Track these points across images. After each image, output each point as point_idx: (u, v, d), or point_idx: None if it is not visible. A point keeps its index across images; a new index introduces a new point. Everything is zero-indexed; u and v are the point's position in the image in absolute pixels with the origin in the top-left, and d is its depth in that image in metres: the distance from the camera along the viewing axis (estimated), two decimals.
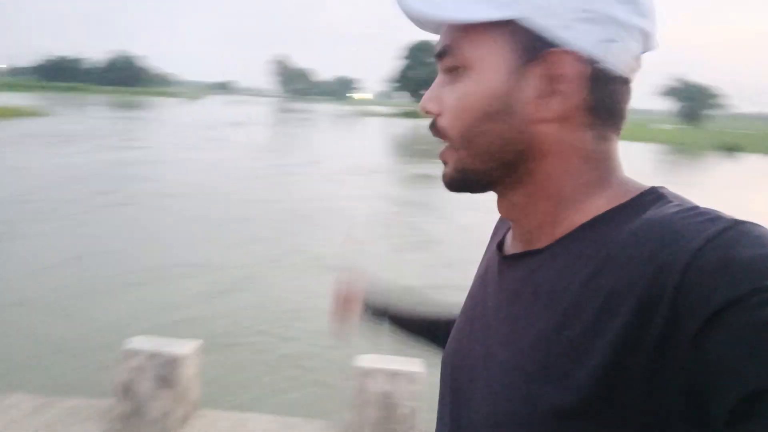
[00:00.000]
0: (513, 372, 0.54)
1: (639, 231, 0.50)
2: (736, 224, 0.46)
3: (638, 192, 0.56)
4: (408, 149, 29.83)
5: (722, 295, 0.42)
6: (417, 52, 70.70)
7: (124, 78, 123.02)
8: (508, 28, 0.54)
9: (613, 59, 0.53)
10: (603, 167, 0.57)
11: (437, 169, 0.63)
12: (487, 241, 0.78)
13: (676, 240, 0.47)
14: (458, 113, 0.57)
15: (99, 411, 3.50)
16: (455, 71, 0.57)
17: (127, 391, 3.31)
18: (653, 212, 0.52)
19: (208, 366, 3.86)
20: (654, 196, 0.55)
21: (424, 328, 0.99)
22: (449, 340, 0.72)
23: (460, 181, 0.60)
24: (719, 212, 0.49)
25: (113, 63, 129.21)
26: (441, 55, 0.58)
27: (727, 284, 0.42)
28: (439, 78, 0.59)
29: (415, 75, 70.82)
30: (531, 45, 0.53)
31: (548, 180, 0.57)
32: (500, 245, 0.68)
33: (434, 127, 0.60)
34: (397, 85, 77.54)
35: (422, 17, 0.56)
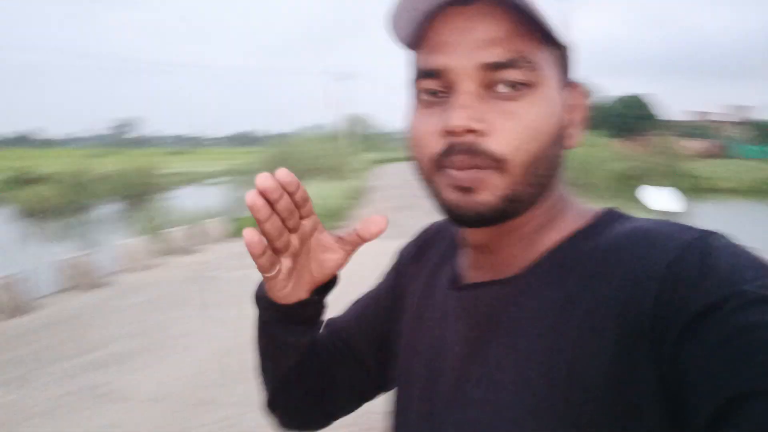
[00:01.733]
0: (494, 413, 0.52)
1: (612, 246, 0.50)
2: (706, 234, 0.47)
3: (598, 212, 0.57)
4: None
5: (698, 302, 0.42)
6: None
7: None
8: (560, 52, 0.54)
9: None
10: (567, 190, 0.58)
11: None
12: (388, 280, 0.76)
13: (650, 252, 0.47)
14: (528, 135, 0.51)
15: None
16: (513, 88, 0.50)
17: None
18: (621, 228, 0.52)
19: None
20: (614, 215, 0.56)
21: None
22: (402, 379, 0.66)
23: (501, 211, 0.52)
24: (685, 224, 0.50)
25: None
26: (505, 66, 0.50)
27: (703, 292, 0.43)
28: (473, 91, 0.51)
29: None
30: (563, 74, 0.55)
31: (551, 207, 0.57)
32: (451, 279, 0.64)
33: (473, 150, 0.51)
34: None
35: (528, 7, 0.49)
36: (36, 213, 20.25)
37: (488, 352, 0.55)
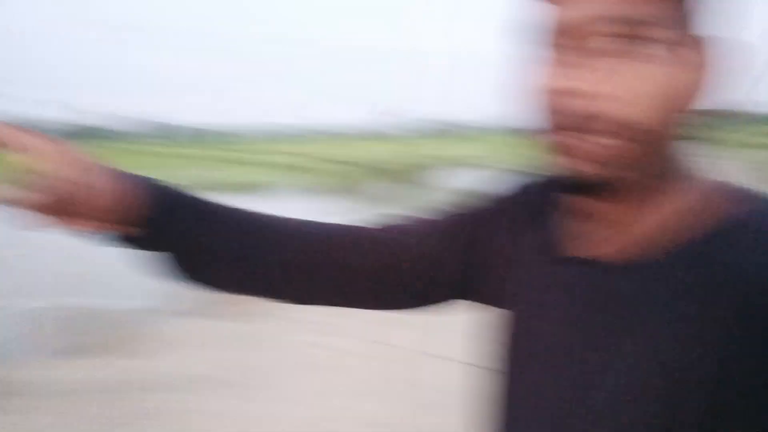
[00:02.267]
0: (626, 402, 0.50)
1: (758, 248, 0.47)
2: None
3: (725, 190, 0.51)
4: None
5: None
6: None
7: None
8: (686, 4, 0.48)
9: None
10: (689, 160, 0.53)
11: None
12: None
13: None
14: (648, 99, 0.46)
15: None
16: (641, 46, 0.45)
17: None
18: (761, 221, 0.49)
19: None
20: (744, 194, 0.51)
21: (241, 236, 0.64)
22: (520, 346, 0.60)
23: (615, 179, 0.49)
24: None
25: None
26: (634, 22, 0.45)
27: None
28: (603, 50, 0.46)
29: None
30: (691, 28, 0.48)
31: (668, 177, 0.52)
32: (545, 247, 0.59)
33: (591, 113, 0.46)
34: None
35: None
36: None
37: (612, 336, 0.52)
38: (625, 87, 0.46)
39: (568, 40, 0.47)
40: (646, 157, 0.48)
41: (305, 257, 0.65)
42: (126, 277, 3.37)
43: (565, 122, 0.47)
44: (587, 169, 0.48)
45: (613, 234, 0.53)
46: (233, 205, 0.66)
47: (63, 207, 0.53)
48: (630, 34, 0.45)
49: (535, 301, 0.59)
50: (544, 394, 0.56)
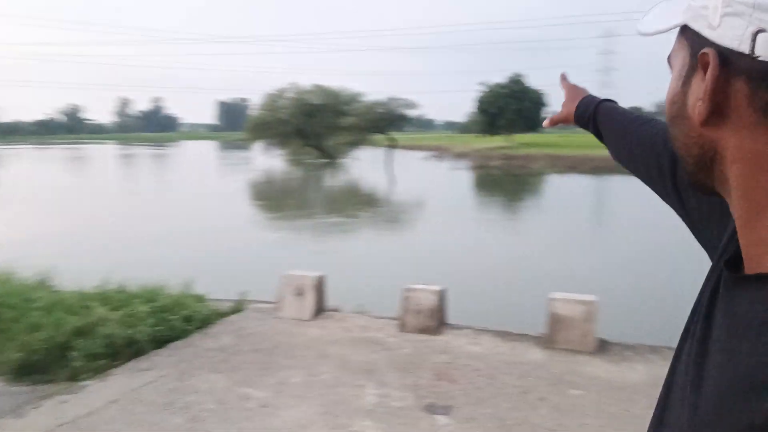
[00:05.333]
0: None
1: None
2: None
3: None
4: None
5: None
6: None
7: None
8: (685, 34, 0.55)
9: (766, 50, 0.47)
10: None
11: None
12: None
13: None
14: (670, 112, 0.59)
15: None
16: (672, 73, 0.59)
17: None
18: None
19: None
20: None
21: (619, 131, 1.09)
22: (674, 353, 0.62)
23: (690, 183, 0.60)
24: None
25: None
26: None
27: None
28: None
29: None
30: (695, 49, 0.53)
31: (744, 190, 0.51)
32: (731, 257, 0.58)
33: None
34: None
35: (643, 34, 0.61)
36: None
37: (707, 357, 0.51)
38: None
39: None
40: (686, 166, 0.58)
41: (636, 148, 1.01)
42: None
43: None
44: None
45: (742, 239, 0.53)
46: (625, 110, 1.13)
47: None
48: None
49: (692, 311, 0.61)
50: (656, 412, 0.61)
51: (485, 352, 5.33)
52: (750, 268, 0.51)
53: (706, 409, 0.48)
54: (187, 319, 5.83)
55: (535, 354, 5.28)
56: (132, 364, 5.01)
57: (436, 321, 5.86)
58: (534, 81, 66.12)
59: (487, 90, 62.53)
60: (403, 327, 5.90)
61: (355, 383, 4.68)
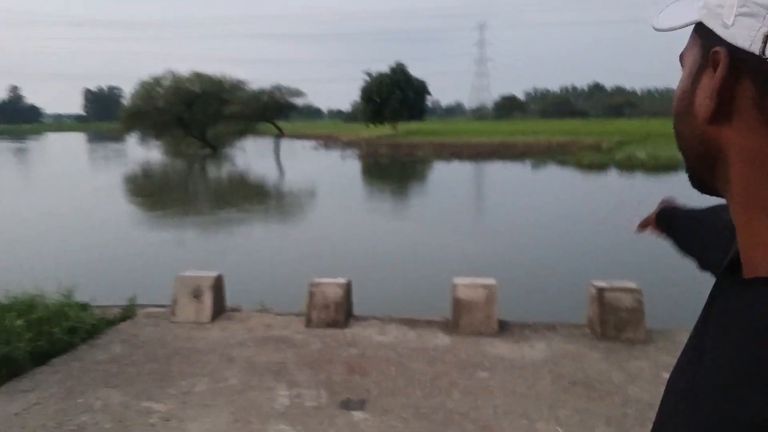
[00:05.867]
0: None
1: None
2: None
3: None
4: None
5: None
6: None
7: None
8: (699, 32, 0.55)
9: None
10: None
11: None
12: None
13: None
14: (679, 110, 0.58)
15: None
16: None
17: None
18: None
19: None
20: None
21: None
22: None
23: (689, 179, 0.60)
24: None
25: None
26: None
27: None
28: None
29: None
30: (707, 47, 0.52)
31: (746, 191, 0.51)
32: (731, 262, 0.58)
33: None
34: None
35: (658, 29, 0.59)
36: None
37: (698, 361, 0.52)
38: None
39: None
40: (687, 162, 0.58)
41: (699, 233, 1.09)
42: None
43: None
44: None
45: (741, 241, 0.53)
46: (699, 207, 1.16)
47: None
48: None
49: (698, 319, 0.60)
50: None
51: (394, 342, 5.35)
52: (748, 271, 0.51)
53: (703, 416, 0.48)
54: (71, 331, 5.32)
55: (442, 339, 5.39)
56: (10, 386, 4.48)
57: (343, 314, 5.80)
58: (416, 70, 67.79)
59: (371, 79, 63.24)
60: (309, 322, 5.78)
61: (264, 386, 4.51)
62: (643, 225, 1.45)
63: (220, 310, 6.15)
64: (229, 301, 6.37)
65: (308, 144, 56.13)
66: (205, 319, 5.95)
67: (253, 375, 4.70)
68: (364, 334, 5.55)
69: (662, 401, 0.59)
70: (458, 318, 5.58)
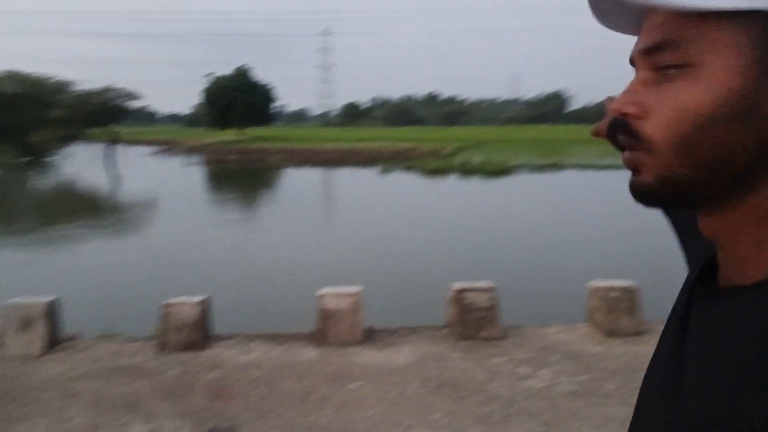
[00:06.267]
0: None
1: None
2: None
3: None
4: None
5: None
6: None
7: None
8: (750, 19, 0.47)
9: None
10: None
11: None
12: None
13: None
14: (679, 117, 0.49)
15: None
16: (670, 69, 0.50)
17: None
18: None
19: None
20: None
21: None
22: (648, 365, 0.62)
23: (663, 194, 0.52)
24: None
25: None
26: (656, 49, 0.51)
27: None
28: (641, 76, 0.53)
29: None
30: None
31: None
32: (703, 272, 0.59)
33: (626, 130, 0.53)
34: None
35: (646, 3, 0.49)
36: None
37: (707, 370, 0.50)
38: (656, 106, 0.51)
39: (633, 67, 0.55)
40: (679, 170, 0.50)
41: None
42: None
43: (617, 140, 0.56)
44: (632, 181, 0.54)
45: (726, 256, 0.53)
46: None
47: None
48: (658, 62, 0.51)
49: (666, 323, 0.61)
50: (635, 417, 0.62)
51: (259, 359, 5.13)
52: (726, 280, 0.53)
53: (689, 423, 0.49)
54: None
55: (309, 352, 5.28)
56: None
57: (201, 335, 5.45)
58: (261, 75, 66.74)
59: (214, 82, 60.97)
60: (163, 347, 5.34)
61: (117, 421, 4.06)
62: (595, 133, 1.35)
63: (55, 340, 5.46)
64: (69, 328, 5.69)
65: (146, 150, 52.57)
66: (38, 351, 5.25)
67: (103, 411, 4.22)
68: (226, 354, 5.25)
69: (639, 406, 0.60)
70: (325, 329, 5.50)
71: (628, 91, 0.53)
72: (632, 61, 0.55)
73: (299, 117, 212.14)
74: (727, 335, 0.48)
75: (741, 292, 0.49)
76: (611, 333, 5.53)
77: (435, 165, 31.17)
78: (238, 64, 63.72)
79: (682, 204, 0.54)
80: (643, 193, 0.53)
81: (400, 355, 5.23)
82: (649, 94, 0.51)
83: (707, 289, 0.55)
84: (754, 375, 0.44)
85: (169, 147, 55.26)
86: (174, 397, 4.42)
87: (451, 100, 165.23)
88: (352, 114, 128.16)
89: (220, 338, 5.60)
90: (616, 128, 0.54)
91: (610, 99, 1.28)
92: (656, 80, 0.51)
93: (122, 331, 5.87)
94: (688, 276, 0.63)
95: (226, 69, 66.41)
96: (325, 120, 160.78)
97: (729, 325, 0.49)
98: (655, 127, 0.50)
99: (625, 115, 0.53)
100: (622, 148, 0.55)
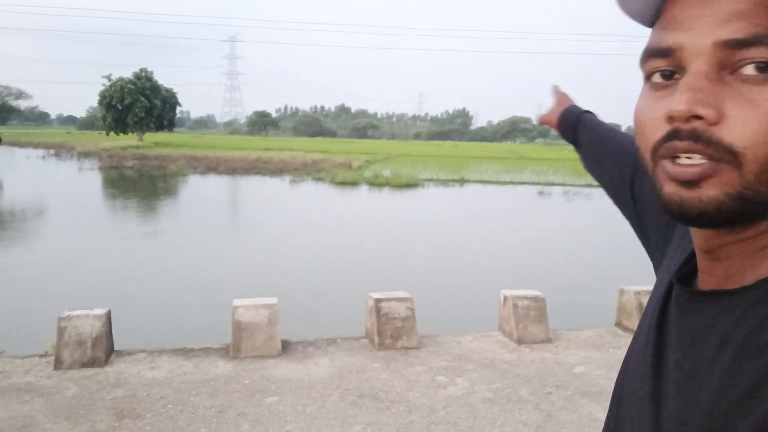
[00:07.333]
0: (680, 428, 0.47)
1: None
2: None
3: None
4: None
5: None
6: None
7: None
8: None
9: None
10: None
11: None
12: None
13: None
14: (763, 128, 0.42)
15: None
16: (760, 70, 0.43)
17: None
18: None
19: None
20: None
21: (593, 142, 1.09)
22: (622, 367, 0.60)
23: (731, 212, 0.45)
24: None
25: None
26: (744, 44, 0.43)
27: None
28: (704, 73, 0.44)
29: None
30: None
31: None
32: (681, 274, 0.57)
33: (700, 138, 0.44)
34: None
35: None
36: None
37: (692, 370, 0.49)
38: (731, 112, 0.43)
39: (675, 65, 0.47)
40: (760, 188, 0.44)
41: (606, 157, 1.01)
42: None
43: (666, 148, 0.47)
44: (692, 197, 0.45)
45: (725, 266, 0.50)
46: (604, 123, 1.12)
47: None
48: (741, 58, 0.43)
49: (640, 326, 0.59)
50: (612, 413, 0.60)
51: (168, 376, 4.84)
52: (706, 283, 0.52)
53: (671, 425, 0.48)
54: None
55: (223, 367, 5.05)
56: None
57: (103, 350, 5.06)
58: (164, 79, 64.21)
59: (113, 84, 57.78)
60: (59, 364, 4.91)
61: None
62: (543, 121, 1.29)
63: None
64: None
65: (35, 153, 48.75)
66: None
67: None
68: (131, 371, 4.91)
69: (616, 407, 0.59)
70: (239, 342, 5.29)
71: (694, 89, 0.44)
72: (665, 53, 0.47)
73: (204, 124, 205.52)
74: (714, 338, 0.46)
75: (734, 294, 0.47)
76: (521, 340, 5.73)
77: (344, 177, 31.21)
78: (139, 67, 60.89)
79: (735, 223, 0.47)
80: (702, 211, 0.45)
81: (320, 367, 5.12)
82: (724, 96, 0.44)
83: (690, 292, 0.52)
84: (746, 380, 0.42)
85: (61, 150, 51.56)
86: (73, 419, 4.05)
87: (362, 113, 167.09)
88: (261, 123, 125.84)
89: (124, 354, 5.23)
90: (679, 132, 0.45)
91: (556, 87, 1.32)
92: (721, 79, 0.44)
93: (10, 348, 5.35)
94: (660, 278, 0.62)
95: (127, 71, 63.43)
96: (232, 128, 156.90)
97: (717, 328, 0.47)
98: (743, 137, 0.43)
99: (696, 117, 0.44)
100: (680, 157, 0.46)
